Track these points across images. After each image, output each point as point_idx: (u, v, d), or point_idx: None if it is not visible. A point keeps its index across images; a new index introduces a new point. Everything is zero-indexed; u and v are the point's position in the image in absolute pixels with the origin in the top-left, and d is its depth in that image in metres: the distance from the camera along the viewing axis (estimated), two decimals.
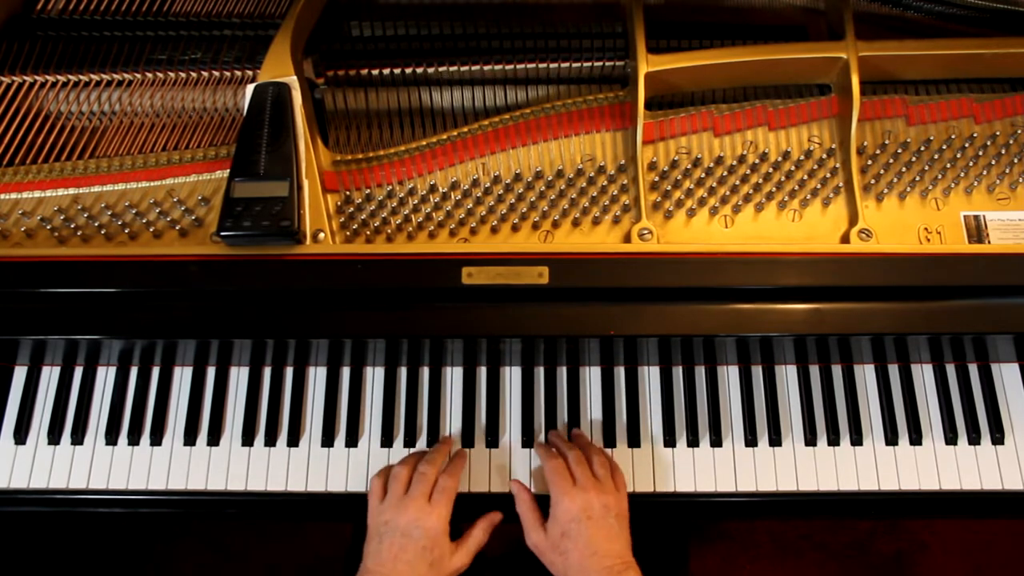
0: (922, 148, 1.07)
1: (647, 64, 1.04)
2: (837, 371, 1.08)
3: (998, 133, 1.07)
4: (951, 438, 1.04)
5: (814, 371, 1.08)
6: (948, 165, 1.06)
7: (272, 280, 0.96)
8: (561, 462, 0.98)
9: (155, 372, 1.08)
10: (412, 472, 0.97)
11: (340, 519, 1.45)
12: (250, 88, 1.02)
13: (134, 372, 1.09)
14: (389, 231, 1.02)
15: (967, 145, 1.07)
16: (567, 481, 0.95)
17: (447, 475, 0.97)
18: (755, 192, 1.04)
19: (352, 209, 1.03)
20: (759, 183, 1.05)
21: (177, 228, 1.01)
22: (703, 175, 1.04)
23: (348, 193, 1.04)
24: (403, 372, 1.08)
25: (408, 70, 1.10)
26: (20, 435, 1.05)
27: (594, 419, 1.06)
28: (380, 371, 1.08)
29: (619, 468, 1.00)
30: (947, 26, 1.18)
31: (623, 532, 0.94)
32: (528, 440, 1.05)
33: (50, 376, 1.09)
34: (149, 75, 1.10)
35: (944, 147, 1.07)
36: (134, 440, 1.05)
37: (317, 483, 1.03)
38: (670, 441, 1.05)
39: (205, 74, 1.10)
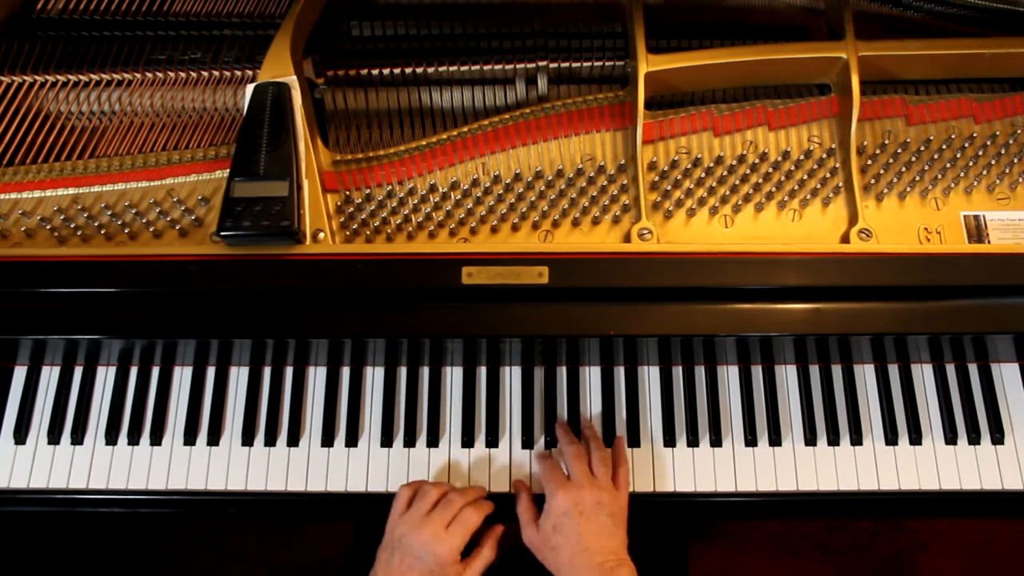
0: (922, 148, 1.07)
1: (647, 64, 1.04)
2: (837, 371, 1.08)
3: (998, 133, 1.07)
4: (951, 438, 1.04)
5: (814, 371, 1.08)
6: (948, 165, 1.06)
7: (272, 280, 0.96)
8: (554, 460, 0.98)
9: (155, 372, 1.08)
10: (441, 496, 0.96)
11: (340, 519, 1.45)
12: (250, 88, 1.02)
13: (134, 372, 1.08)
14: (389, 231, 1.02)
15: (967, 145, 1.07)
16: (560, 476, 0.96)
17: (473, 508, 0.95)
18: (755, 192, 1.04)
19: (352, 209, 1.03)
20: (759, 183, 1.05)
21: (177, 228, 1.01)
22: (703, 175, 1.04)
23: (348, 193, 1.04)
24: (403, 372, 1.08)
25: (408, 70, 1.10)
26: (20, 435, 1.05)
27: (594, 418, 1.06)
28: (380, 371, 1.08)
29: (624, 464, 1.00)
30: (947, 26, 1.18)
31: (618, 530, 0.93)
32: (528, 440, 1.05)
33: (50, 376, 1.08)
34: (149, 75, 1.10)
35: (944, 147, 1.07)
36: (134, 440, 1.05)
37: (317, 483, 1.03)
38: (670, 441, 1.05)
39: (205, 74, 1.10)
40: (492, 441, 1.05)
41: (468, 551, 0.95)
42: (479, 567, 0.94)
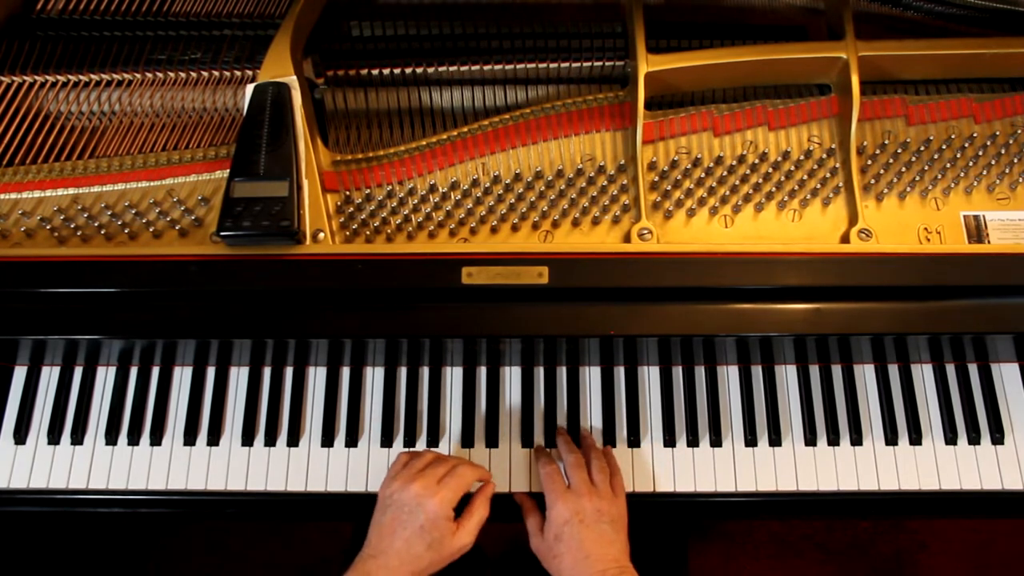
0: (922, 148, 1.07)
1: (647, 64, 1.04)
2: (837, 371, 1.08)
3: (998, 133, 1.07)
4: (951, 438, 1.04)
5: (814, 371, 1.08)
6: (948, 165, 1.06)
7: (272, 280, 0.96)
8: (555, 467, 0.98)
9: (155, 372, 1.08)
10: (436, 459, 0.96)
11: (340, 519, 1.45)
12: (250, 88, 1.02)
13: (134, 372, 1.08)
14: (389, 231, 1.02)
15: (967, 145, 1.07)
16: (561, 485, 0.96)
17: (467, 466, 0.95)
18: (755, 192, 1.05)
19: (352, 209, 1.03)
20: (759, 183, 1.05)
21: (177, 228, 1.01)
22: (703, 175, 1.04)
23: (348, 193, 1.04)
24: (403, 372, 1.08)
25: (408, 70, 1.10)
26: (20, 435, 1.05)
27: (594, 419, 1.06)
28: (380, 371, 1.08)
29: (620, 473, 1.00)
30: (947, 26, 1.18)
31: (618, 537, 0.93)
32: (528, 440, 1.05)
33: (50, 376, 1.09)
34: (149, 75, 1.10)
35: (944, 147, 1.07)
36: (134, 440, 1.05)
37: (317, 483, 1.03)
38: (670, 441, 1.05)
39: (205, 74, 1.10)
40: (492, 441, 1.05)
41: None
42: (473, 525, 0.93)
